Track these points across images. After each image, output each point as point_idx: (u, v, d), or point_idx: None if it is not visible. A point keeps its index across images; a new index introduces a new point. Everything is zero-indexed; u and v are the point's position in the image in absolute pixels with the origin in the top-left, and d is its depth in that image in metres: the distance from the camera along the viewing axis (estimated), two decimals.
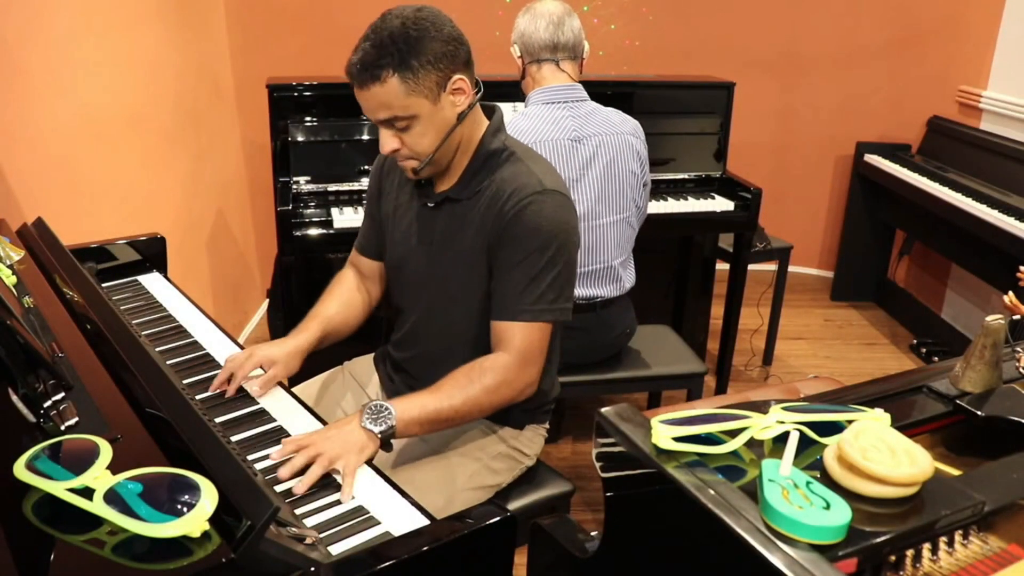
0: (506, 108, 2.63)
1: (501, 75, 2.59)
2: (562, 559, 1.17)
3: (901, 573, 0.84)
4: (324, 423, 1.36)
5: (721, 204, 2.85)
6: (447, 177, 1.48)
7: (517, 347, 1.41)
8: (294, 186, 2.65)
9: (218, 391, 1.42)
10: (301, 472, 1.19)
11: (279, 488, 1.17)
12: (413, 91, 1.32)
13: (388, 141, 1.38)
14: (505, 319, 1.42)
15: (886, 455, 0.87)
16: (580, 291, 2.12)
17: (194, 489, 0.85)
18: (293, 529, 0.98)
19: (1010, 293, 1.53)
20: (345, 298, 1.66)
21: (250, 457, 1.24)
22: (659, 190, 2.91)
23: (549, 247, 1.40)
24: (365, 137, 2.69)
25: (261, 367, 1.46)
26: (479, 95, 1.43)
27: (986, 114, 3.36)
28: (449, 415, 1.37)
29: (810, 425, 0.99)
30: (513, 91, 2.34)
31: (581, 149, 2.05)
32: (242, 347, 1.58)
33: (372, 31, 1.33)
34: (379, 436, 1.29)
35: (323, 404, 1.69)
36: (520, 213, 1.39)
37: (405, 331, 1.62)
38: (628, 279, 2.20)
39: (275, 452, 1.24)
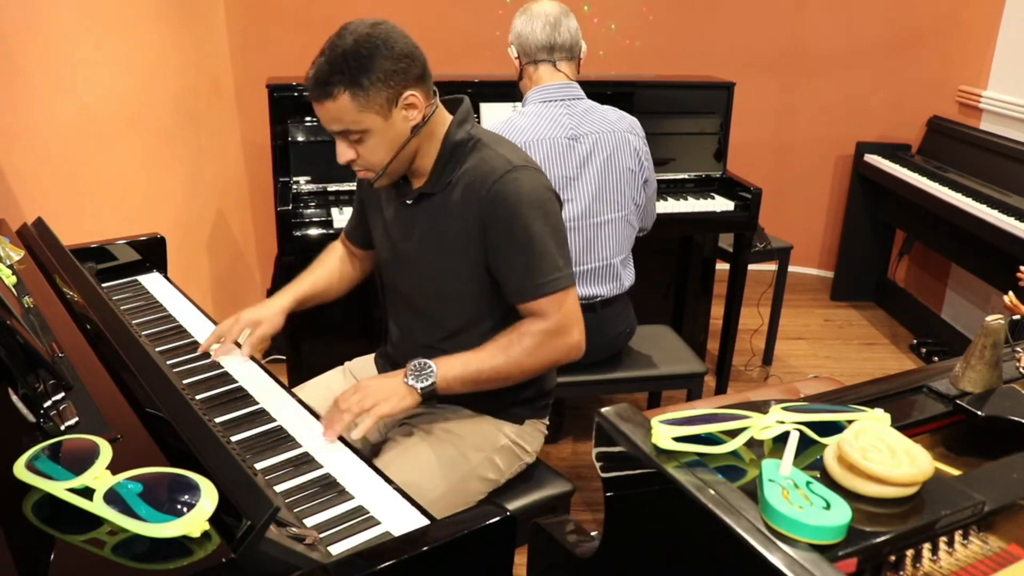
0: (506, 108, 2.65)
1: (501, 75, 2.59)
2: (562, 559, 1.17)
3: (901, 573, 0.84)
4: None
5: (721, 204, 2.85)
6: (420, 174, 1.51)
7: (551, 315, 1.45)
8: (294, 186, 2.65)
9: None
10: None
11: (282, 488, 1.17)
12: (364, 107, 1.35)
13: (344, 152, 1.43)
14: (528, 300, 1.45)
15: (886, 455, 0.87)
16: (580, 290, 2.12)
17: (194, 489, 0.85)
18: (293, 529, 0.98)
19: (1010, 293, 1.53)
20: (332, 266, 1.77)
21: (250, 457, 1.24)
22: (659, 190, 2.89)
23: (537, 217, 1.43)
24: None
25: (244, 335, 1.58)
26: (434, 107, 1.46)
27: (986, 114, 3.36)
28: (491, 375, 1.43)
29: (810, 425, 0.99)
30: (512, 91, 2.34)
31: (578, 147, 2.06)
32: (239, 345, 1.59)
33: (328, 47, 1.36)
34: (420, 392, 1.38)
35: (323, 404, 1.69)
36: (498, 195, 1.41)
37: (399, 329, 1.65)
38: (628, 278, 2.20)
39: (325, 419, 1.34)
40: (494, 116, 2.59)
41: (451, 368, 1.41)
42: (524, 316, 1.47)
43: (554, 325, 1.45)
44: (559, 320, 1.45)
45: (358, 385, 1.41)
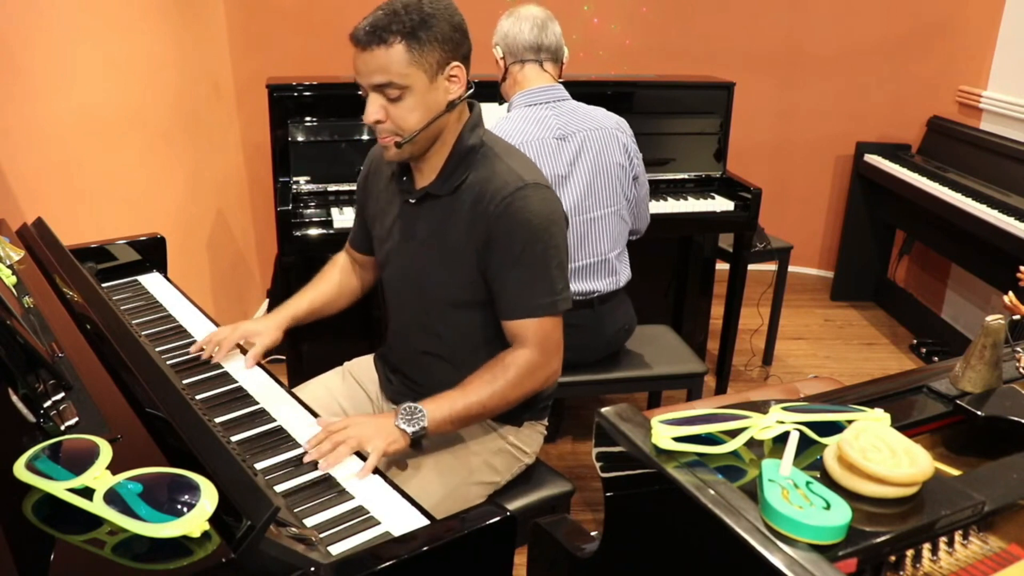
0: (503, 109, 2.65)
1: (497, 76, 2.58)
2: (562, 559, 1.17)
3: (901, 573, 0.84)
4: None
5: (721, 204, 2.85)
6: (427, 173, 1.50)
7: (536, 342, 1.45)
8: (294, 186, 2.65)
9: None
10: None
11: (282, 488, 1.17)
12: (415, 62, 1.35)
13: (374, 110, 1.39)
14: (518, 317, 1.45)
15: (886, 455, 0.87)
16: (577, 286, 2.12)
17: (194, 489, 0.85)
18: (293, 529, 0.98)
19: (1010, 293, 1.53)
20: (336, 279, 1.77)
21: (250, 457, 1.24)
22: (659, 190, 2.91)
23: (541, 239, 1.42)
24: (365, 137, 2.69)
25: (237, 347, 1.57)
26: (471, 92, 1.46)
27: (986, 114, 3.36)
28: (478, 411, 1.44)
29: (810, 425, 0.99)
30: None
31: (566, 146, 2.06)
32: (240, 346, 1.60)
33: (386, 3, 1.37)
34: (411, 435, 1.37)
35: (323, 404, 1.69)
36: (506, 211, 1.41)
37: (397, 331, 1.65)
38: (624, 273, 2.20)
39: (309, 440, 1.29)
40: (494, 116, 2.59)
41: (439, 409, 1.40)
42: (508, 336, 1.47)
43: (537, 354, 1.45)
44: (542, 347, 1.45)
45: (349, 420, 1.35)
